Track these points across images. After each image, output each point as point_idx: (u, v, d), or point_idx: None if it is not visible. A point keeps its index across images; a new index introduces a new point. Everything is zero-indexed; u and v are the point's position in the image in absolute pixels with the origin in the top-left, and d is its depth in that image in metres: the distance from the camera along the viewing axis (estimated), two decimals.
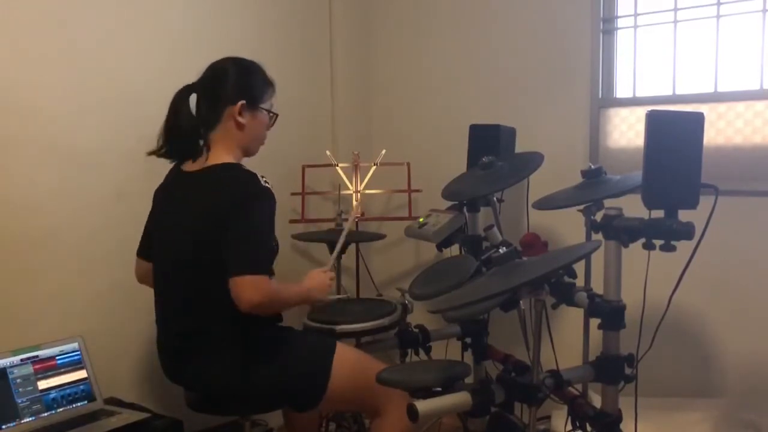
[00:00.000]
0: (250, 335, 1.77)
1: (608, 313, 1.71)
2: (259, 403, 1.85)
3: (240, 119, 1.78)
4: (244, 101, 1.78)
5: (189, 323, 1.77)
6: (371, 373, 1.67)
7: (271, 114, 1.87)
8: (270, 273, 1.71)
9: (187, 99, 1.82)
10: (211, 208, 1.71)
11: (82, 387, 2.00)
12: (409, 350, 2.18)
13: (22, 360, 1.90)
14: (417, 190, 2.81)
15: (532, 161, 2.15)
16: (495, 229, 1.86)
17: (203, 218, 1.72)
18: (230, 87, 1.79)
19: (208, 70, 1.83)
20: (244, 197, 1.69)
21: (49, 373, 1.95)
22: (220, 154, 1.78)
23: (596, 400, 1.82)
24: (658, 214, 1.62)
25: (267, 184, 1.72)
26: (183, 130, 1.80)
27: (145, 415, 1.96)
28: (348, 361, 1.86)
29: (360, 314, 2.17)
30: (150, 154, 1.84)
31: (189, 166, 1.83)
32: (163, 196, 1.89)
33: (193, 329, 1.76)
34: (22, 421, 1.85)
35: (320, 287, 1.89)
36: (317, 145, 2.95)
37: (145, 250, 1.96)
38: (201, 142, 1.82)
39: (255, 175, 1.72)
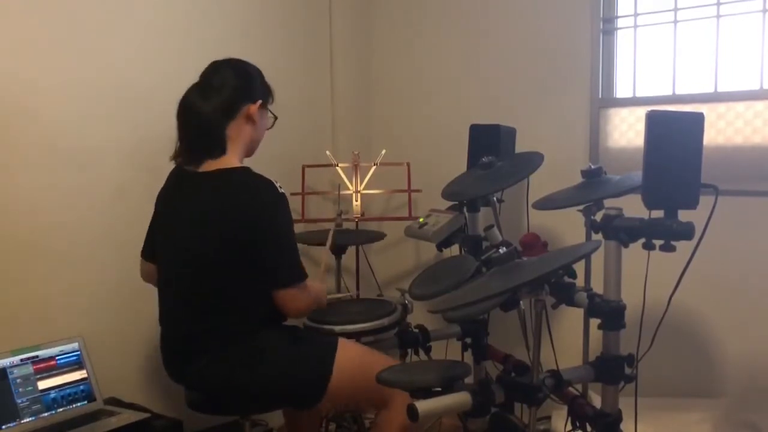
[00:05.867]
0: (255, 334, 1.78)
1: (608, 313, 1.71)
2: (261, 401, 1.86)
3: (254, 117, 1.85)
4: (261, 100, 1.86)
5: (198, 323, 1.77)
6: (374, 367, 1.68)
7: (274, 116, 1.95)
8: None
9: (199, 96, 1.82)
10: (232, 212, 1.72)
11: (82, 387, 2.00)
12: (409, 350, 2.18)
13: (22, 360, 1.91)
14: (417, 190, 2.81)
15: (532, 161, 2.15)
16: (495, 229, 1.86)
17: (223, 220, 1.73)
18: (252, 86, 1.86)
19: (226, 66, 1.85)
20: (267, 207, 1.73)
21: (49, 373, 1.95)
22: (230, 157, 1.80)
23: (596, 400, 1.82)
24: (658, 214, 1.62)
25: (281, 189, 1.76)
26: (206, 122, 1.79)
27: (145, 415, 1.96)
28: (350, 358, 1.86)
29: (360, 314, 2.17)
30: (173, 158, 1.84)
31: (195, 167, 1.83)
32: (170, 197, 1.89)
33: (202, 329, 1.77)
34: (22, 421, 1.85)
35: (323, 292, 2.00)
36: (317, 145, 2.95)
37: (148, 253, 1.97)
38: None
39: (271, 181, 1.76)
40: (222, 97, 1.80)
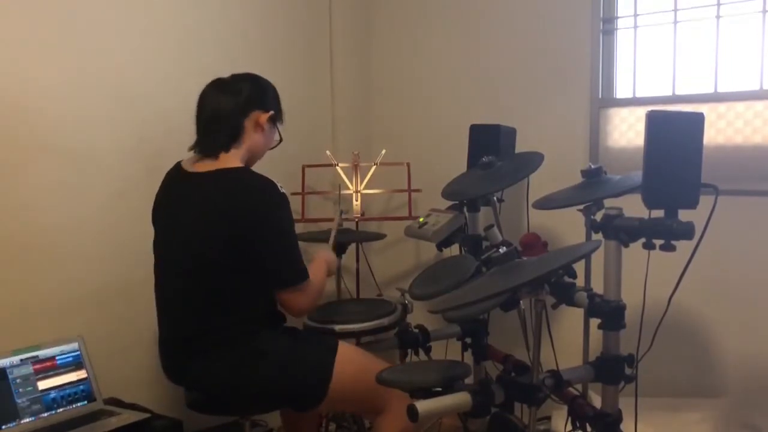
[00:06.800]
0: (255, 335, 1.78)
1: (608, 313, 1.71)
2: (261, 403, 1.86)
3: (263, 125, 1.87)
4: (273, 112, 1.89)
5: (197, 323, 1.77)
6: (373, 373, 1.67)
7: (280, 137, 1.98)
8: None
9: (219, 90, 1.85)
10: (232, 212, 1.73)
11: (82, 387, 2.00)
12: (409, 350, 2.18)
13: (22, 360, 1.90)
14: (417, 190, 2.81)
15: (532, 161, 2.15)
16: (495, 229, 1.86)
17: (223, 220, 1.73)
18: (267, 96, 1.90)
19: (246, 76, 1.90)
20: (268, 207, 1.74)
21: (49, 373, 1.95)
22: (232, 158, 1.81)
23: (596, 400, 1.82)
24: (658, 214, 1.62)
25: (282, 190, 1.77)
26: (223, 111, 1.83)
27: (145, 415, 1.96)
28: (350, 362, 1.86)
29: (360, 314, 2.17)
30: (191, 149, 1.86)
31: (196, 167, 1.83)
32: (169, 196, 1.89)
33: (201, 329, 1.77)
34: (22, 422, 1.85)
35: (332, 260, 2.08)
36: (317, 145, 2.95)
37: None
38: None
39: (272, 182, 1.77)
40: (237, 98, 1.84)
